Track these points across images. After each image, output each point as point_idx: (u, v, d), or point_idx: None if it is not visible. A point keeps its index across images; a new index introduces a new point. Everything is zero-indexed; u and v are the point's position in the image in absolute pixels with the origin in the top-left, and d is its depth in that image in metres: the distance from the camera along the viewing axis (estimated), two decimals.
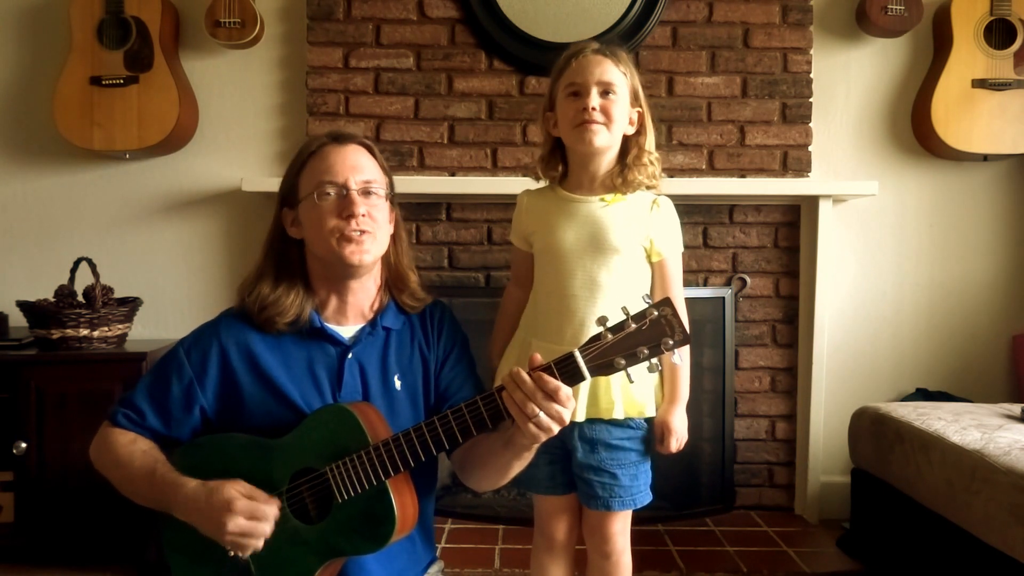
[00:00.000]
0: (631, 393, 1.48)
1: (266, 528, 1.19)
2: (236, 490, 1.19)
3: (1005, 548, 1.68)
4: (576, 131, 1.48)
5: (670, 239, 1.55)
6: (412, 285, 1.44)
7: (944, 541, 1.92)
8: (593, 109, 1.45)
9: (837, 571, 2.30)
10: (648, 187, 1.54)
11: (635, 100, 1.52)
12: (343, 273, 1.37)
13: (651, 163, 1.52)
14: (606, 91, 1.47)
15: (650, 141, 1.54)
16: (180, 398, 1.34)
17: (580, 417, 1.47)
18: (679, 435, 1.56)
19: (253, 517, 1.18)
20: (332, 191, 1.33)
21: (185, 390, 1.34)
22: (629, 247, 1.50)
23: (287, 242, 1.40)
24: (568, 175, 1.58)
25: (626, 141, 1.53)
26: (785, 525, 2.63)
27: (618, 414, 1.48)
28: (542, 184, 1.63)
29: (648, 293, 1.18)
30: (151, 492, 1.28)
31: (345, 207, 1.33)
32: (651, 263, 1.55)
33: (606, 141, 1.49)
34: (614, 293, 1.48)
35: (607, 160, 1.52)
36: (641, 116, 1.54)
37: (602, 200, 1.52)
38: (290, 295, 1.36)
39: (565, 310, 1.50)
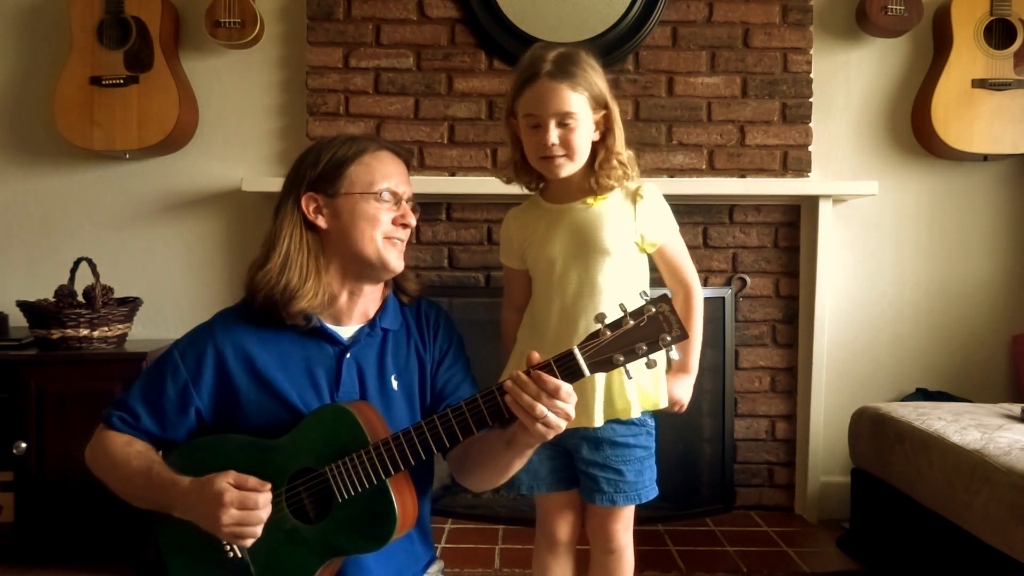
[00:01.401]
0: (645, 389, 1.48)
1: (260, 515, 1.18)
2: (226, 481, 1.18)
3: (1005, 548, 1.68)
4: (541, 163, 1.46)
5: (662, 225, 1.52)
6: (408, 279, 1.46)
7: (944, 541, 1.92)
8: (553, 145, 1.42)
9: (837, 571, 2.30)
10: (625, 181, 1.51)
11: (598, 107, 1.46)
12: (370, 274, 1.38)
13: (619, 164, 1.47)
14: (565, 122, 1.42)
15: (618, 142, 1.48)
16: (175, 400, 1.34)
17: (599, 423, 1.45)
18: (681, 404, 1.57)
19: (244, 507, 1.17)
20: (391, 198, 1.37)
21: (180, 392, 1.34)
22: (620, 246, 1.48)
23: (308, 229, 1.37)
24: (546, 185, 1.57)
25: (594, 145, 1.49)
26: (785, 525, 2.63)
27: (635, 413, 1.47)
28: (514, 187, 1.60)
29: (644, 290, 1.17)
30: (149, 492, 1.27)
31: (404, 216, 1.39)
32: (648, 254, 1.54)
33: (571, 170, 1.46)
34: (612, 295, 1.47)
35: (579, 171, 1.49)
36: (607, 119, 1.48)
37: (584, 203, 1.49)
38: (318, 286, 1.35)
39: (566, 319, 1.48)
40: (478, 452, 1.33)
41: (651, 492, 1.57)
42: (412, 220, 1.40)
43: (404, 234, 1.39)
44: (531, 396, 1.12)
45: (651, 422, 1.57)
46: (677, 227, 1.57)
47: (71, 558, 2.30)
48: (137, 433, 1.34)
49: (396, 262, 1.38)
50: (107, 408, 1.37)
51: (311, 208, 1.36)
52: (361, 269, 1.37)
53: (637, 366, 1.14)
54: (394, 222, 1.37)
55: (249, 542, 1.19)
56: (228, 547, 1.24)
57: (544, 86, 1.42)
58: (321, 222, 1.36)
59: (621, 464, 1.53)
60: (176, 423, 1.34)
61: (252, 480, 1.20)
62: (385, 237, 1.36)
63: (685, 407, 1.58)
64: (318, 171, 1.36)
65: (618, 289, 1.48)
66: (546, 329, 1.51)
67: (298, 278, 1.33)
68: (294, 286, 1.33)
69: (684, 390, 1.58)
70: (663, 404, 1.52)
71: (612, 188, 1.49)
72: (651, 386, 1.49)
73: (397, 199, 1.38)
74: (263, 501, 1.19)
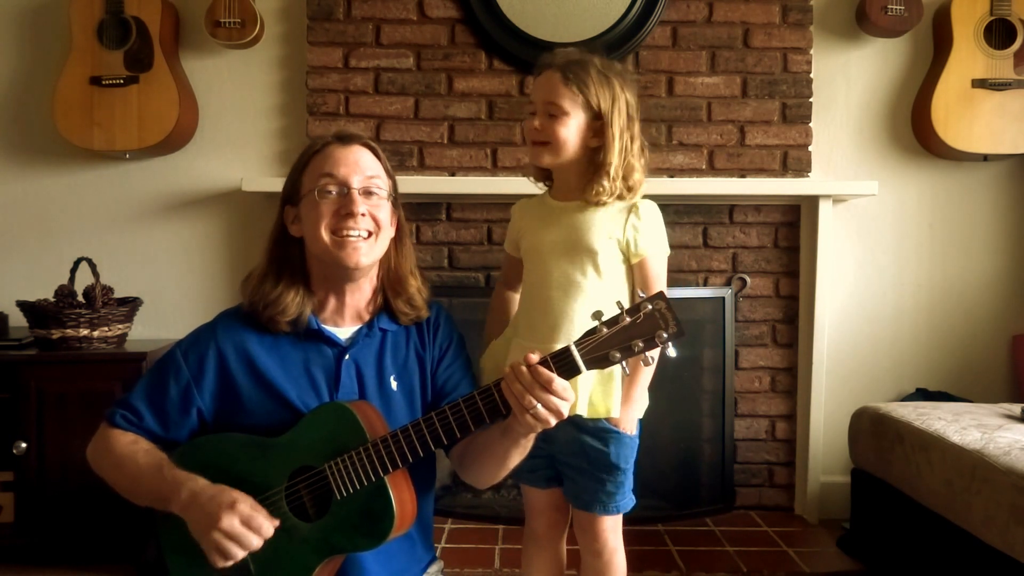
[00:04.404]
0: (595, 401, 1.49)
1: (254, 541, 1.18)
2: (244, 497, 1.20)
3: (1005, 548, 1.68)
4: (530, 147, 1.55)
5: (648, 241, 1.53)
6: (411, 290, 1.43)
7: (944, 541, 1.92)
8: (535, 129, 1.50)
9: (837, 571, 2.30)
10: (618, 198, 1.52)
11: (595, 116, 1.50)
12: (340, 274, 1.37)
13: (614, 178, 1.49)
14: (552, 112, 1.49)
15: (612, 157, 1.49)
16: (177, 400, 1.34)
17: (582, 411, 1.46)
18: (619, 425, 1.54)
19: (248, 524, 1.17)
20: (333, 189, 1.34)
21: (182, 392, 1.34)
22: (605, 249, 1.50)
23: (288, 241, 1.40)
24: (553, 184, 1.62)
25: (591, 153, 1.52)
26: (785, 525, 2.63)
27: (615, 413, 1.49)
28: (539, 187, 1.66)
29: (640, 290, 1.18)
30: (157, 487, 1.26)
31: (345, 206, 1.33)
32: (631, 265, 1.55)
33: (550, 161, 1.52)
34: (589, 294, 1.49)
35: (575, 171, 1.53)
36: (603, 129, 1.50)
37: (581, 205, 1.53)
38: (290, 294, 1.36)
39: (540, 309, 1.52)
40: (478, 444, 1.33)
41: (629, 503, 1.58)
42: (357, 207, 1.32)
43: (353, 224, 1.32)
44: (523, 386, 1.13)
45: (630, 437, 1.55)
46: (665, 251, 1.57)
47: (71, 558, 2.30)
48: (140, 432, 1.34)
49: (349, 259, 1.33)
50: (109, 407, 1.37)
51: (291, 219, 1.40)
52: (329, 269, 1.37)
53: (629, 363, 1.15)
54: (336, 213, 1.33)
55: (220, 563, 1.18)
56: None
57: (543, 76, 1.53)
58: (295, 231, 1.39)
59: (602, 472, 1.54)
60: (178, 423, 1.34)
61: (265, 511, 1.20)
62: (332, 232, 1.33)
63: (629, 430, 1.55)
64: (287, 185, 1.41)
65: (595, 290, 1.50)
66: (526, 316, 1.56)
67: (272, 288, 1.36)
68: (267, 293, 1.36)
69: (625, 417, 1.53)
70: (614, 414, 1.50)
71: (601, 202, 1.50)
72: (601, 398, 1.49)
73: (340, 187, 1.34)
74: (266, 530, 1.18)
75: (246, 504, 1.18)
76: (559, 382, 1.13)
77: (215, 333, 1.38)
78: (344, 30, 2.68)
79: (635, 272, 1.56)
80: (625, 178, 1.51)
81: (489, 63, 2.69)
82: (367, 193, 1.35)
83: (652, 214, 1.55)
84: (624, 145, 1.51)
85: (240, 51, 2.74)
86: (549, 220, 1.56)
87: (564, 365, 1.14)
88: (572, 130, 1.49)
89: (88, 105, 2.57)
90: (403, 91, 2.69)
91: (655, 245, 1.55)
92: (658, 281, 1.55)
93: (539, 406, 1.13)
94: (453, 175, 2.69)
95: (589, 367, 1.14)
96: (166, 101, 2.59)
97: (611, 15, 2.64)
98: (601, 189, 1.48)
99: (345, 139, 1.39)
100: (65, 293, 2.41)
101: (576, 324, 1.45)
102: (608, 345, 1.13)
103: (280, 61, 2.78)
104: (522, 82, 2.69)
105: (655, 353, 1.13)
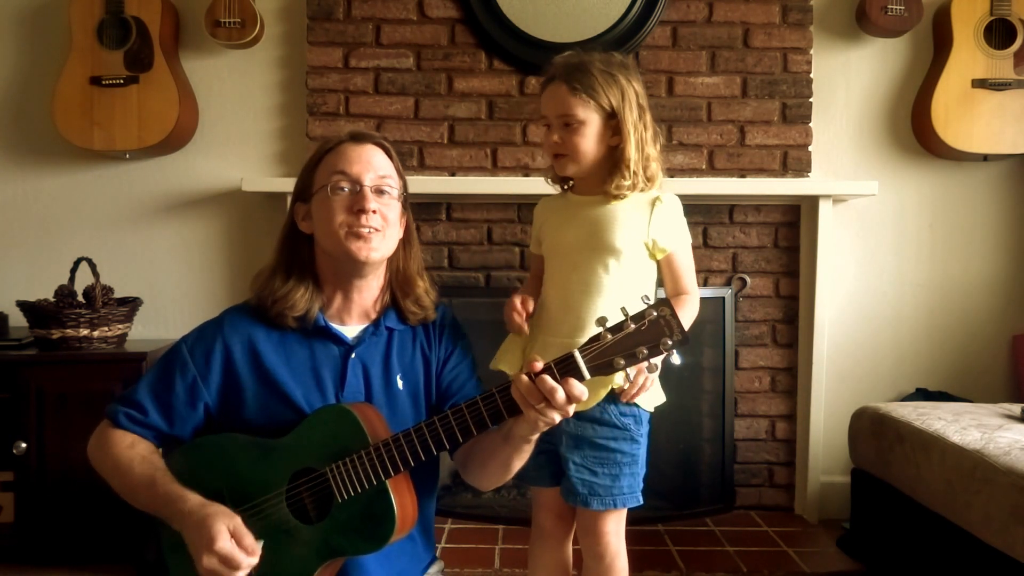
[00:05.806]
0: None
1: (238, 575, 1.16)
2: (226, 526, 1.16)
3: (1005, 548, 1.68)
4: (552, 160, 1.56)
5: (674, 235, 1.55)
6: (418, 291, 1.43)
7: (944, 541, 1.92)
8: (556, 143, 1.52)
9: (837, 571, 2.30)
10: (640, 191, 1.53)
11: (609, 116, 1.51)
12: (349, 270, 1.37)
13: (630, 174, 1.50)
14: (567, 123, 1.50)
15: (631, 150, 1.50)
16: (184, 396, 1.34)
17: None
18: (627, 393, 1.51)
19: (225, 563, 1.14)
20: (346, 185, 1.35)
21: (189, 387, 1.34)
22: (629, 247, 1.50)
23: (299, 237, 1.41)
24: (576, 181, 1.62)
25: (611, 150, 1.53)
26: (785, 525, 2.63)
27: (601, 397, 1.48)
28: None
29: (647, 294, 1.18)
30: (150, 501, 1.26)
31: (356, 202, 1.33)
32: (656, 261, 1.56)
33: (575, 170, 1.54)
34: (613, 292, 1.49)
35: (597, 168, 1.54)
36: (620, 126, 1.51)
37: (603, 200, 1.53)
38: (299, 290, 1.37)
39: (564, 306, 1.51)
40: (479, 450, 1.33)
41: (630, 500, 1.55)
42: (368, 204, 1.33)
43: (365, 220, 1.32)
44: (543, 393, 1.12)
45: (635, 427, 1.54)
46: (689, 240, 1.60)
47: (71, 558, 2.30)
48: (143, 430, 1.33)
49: (360, 253, 1.32)
50: (111, 404, 1.36)
51: (301, 216, 1.40)
52: (338, 265, 1.38)
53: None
54: (348, 210, 1.33)
55: None
56: None
57: (550, 90, 1.53)
58: (305, 227, 1.40)
59: (596, 466, 1.53)
60: (185, 418, 1.34)
61: (249, 539, 1.17)
62: (343, 228, 1.33)
63: (631, 396, 1.52)
64: (299, 182, 1.43)
65: (620, 288, 1.49)
66: (549, 313, 1.54)
67: (282, 284, 1.37)
68: (275, 289, 1.37)
69: (630, 389, 1.52)
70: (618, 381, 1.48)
71: (624, 195, 1.52)
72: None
73: (353, 184, 1.34)
74: (246, 565, 1.16)
75: (222, 543, 1.14)
76: (561, 394, 1.12)
77: (222, 329, 1.38)
78: (344, 30, 2.68)
79: (663, 268, 1.57)
80: (644, 169, 1.52)
81: (489, 63, 2.69)
82: (379, 191, 1.36)
83: (675, 208, 1.57)
84: (640, 137, 1.52)
85: (240, 51, 2.74)
86: (571, 217, 1.56)
87: (567, 372, 1.14)
88: (590, 138, 1.51)
89: (88, 105, 2.57)
90: (403, 91, 2.69)
91: (681, 240, 1.57)
92: (688, 274, 1.59)
93: (556, 415, 1.13)
94: (453, 175, 2.69)
95: (593, 374, 1.14)
96: (166, 101, 2.59)
97: (611, 15, 2.64)
98: (622, 183, 1.50)
99: (359, 138, 1.40)
100: (65, 293, 2.41)
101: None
102: (612, 352, 1.12)
103: (280, 61, 2.78)
104: (522, 82, 2.69)
105: (660, 360, 1.13)
